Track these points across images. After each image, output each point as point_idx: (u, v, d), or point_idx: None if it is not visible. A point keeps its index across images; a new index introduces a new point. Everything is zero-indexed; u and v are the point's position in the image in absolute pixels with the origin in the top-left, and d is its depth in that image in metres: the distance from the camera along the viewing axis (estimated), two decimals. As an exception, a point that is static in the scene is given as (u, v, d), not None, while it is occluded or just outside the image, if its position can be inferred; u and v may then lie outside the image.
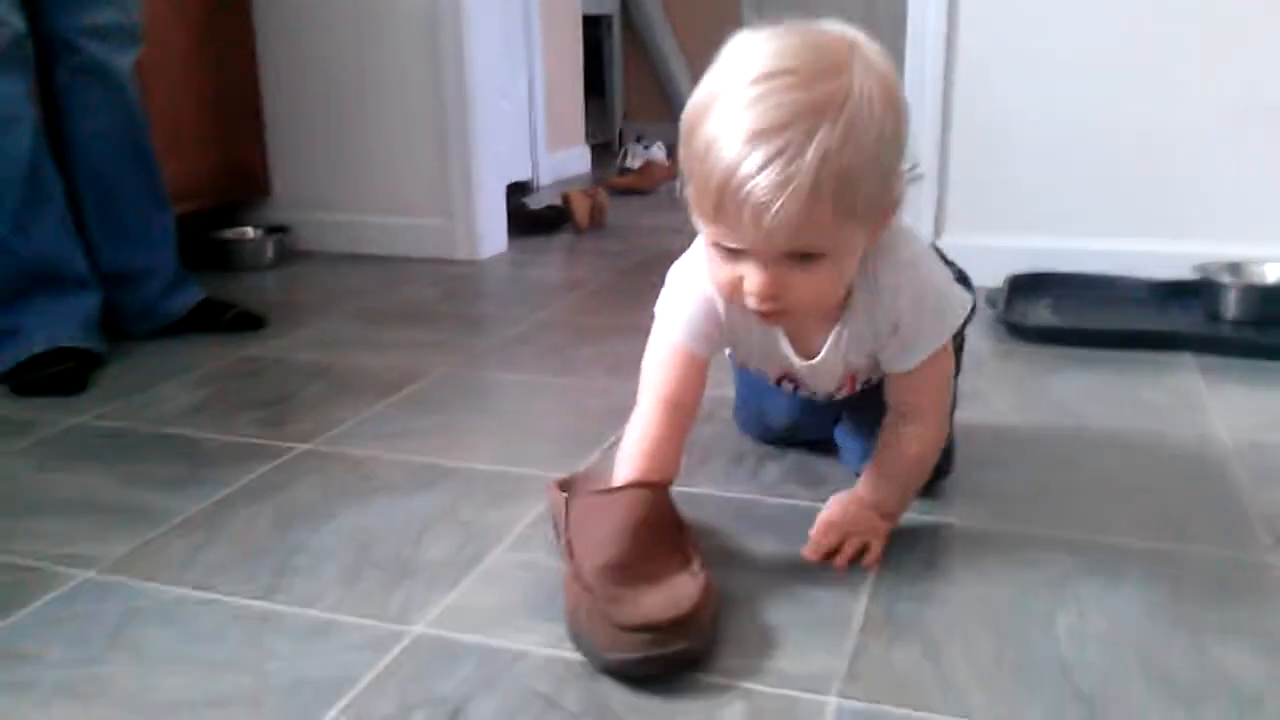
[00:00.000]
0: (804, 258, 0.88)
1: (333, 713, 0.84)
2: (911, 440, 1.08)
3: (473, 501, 1.22)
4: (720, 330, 1.07)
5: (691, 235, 1.00)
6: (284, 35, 2.59)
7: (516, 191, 3.04)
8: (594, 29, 4.66)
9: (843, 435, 1.28)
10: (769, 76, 0.84)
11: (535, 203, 3.05)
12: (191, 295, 1.97)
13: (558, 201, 3.01)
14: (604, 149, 4.46)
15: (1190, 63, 2.01)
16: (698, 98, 0.89)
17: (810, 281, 0.90)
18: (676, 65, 5.04)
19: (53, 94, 1.76)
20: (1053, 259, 2.09)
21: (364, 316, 2.09)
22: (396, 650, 0.92)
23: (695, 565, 0.95)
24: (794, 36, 0.88)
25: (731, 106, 0.84)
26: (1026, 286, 2.04)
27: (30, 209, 1.68)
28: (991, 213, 2.17)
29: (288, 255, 2.58)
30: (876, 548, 1.06)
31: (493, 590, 1.03)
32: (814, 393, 1.16)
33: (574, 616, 0.92)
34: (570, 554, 0.98)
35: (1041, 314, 1.95)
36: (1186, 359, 1.71)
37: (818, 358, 1.07)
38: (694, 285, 1.05)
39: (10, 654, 0.94)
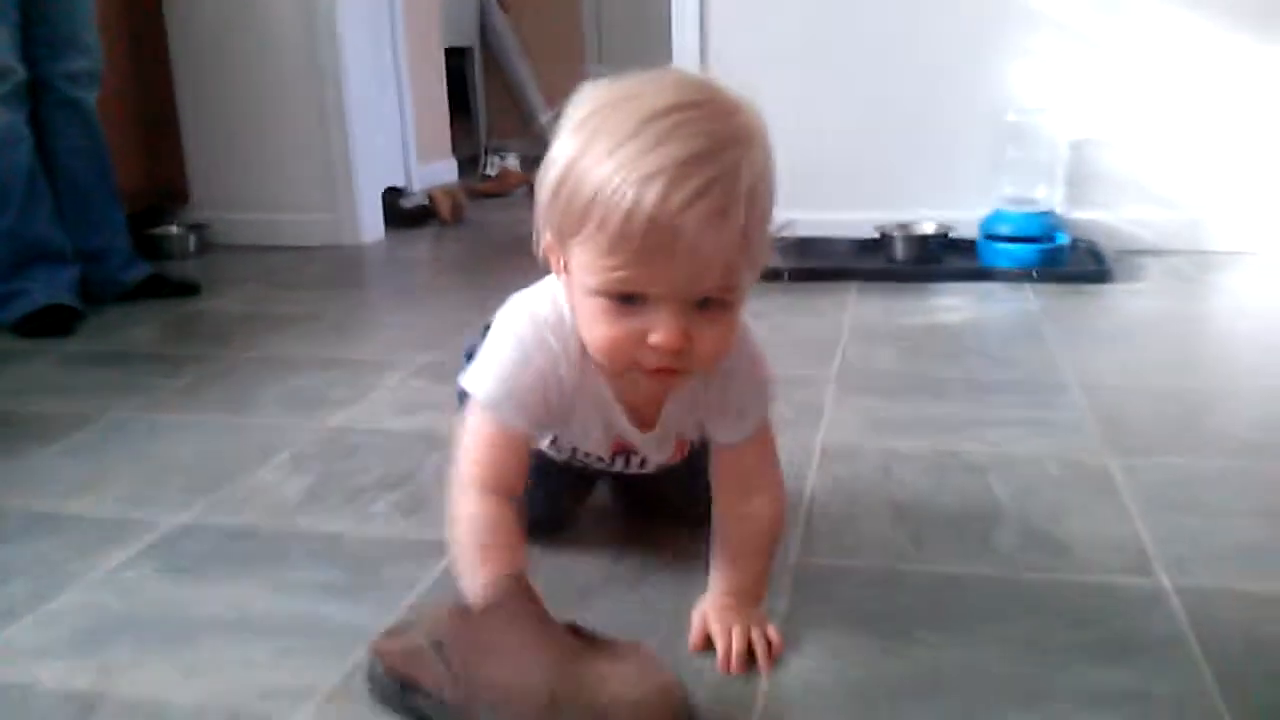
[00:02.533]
0: (712, 306, 0.82)
1: (317, 422, 1.52)
2: (763, 513, 1.01)
3: (353, 373, 1.90)
4: (549, 412, 0.95)
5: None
6: (194, 70, 3.22)
7: (394, 194, 3.69)
8: (458, 59, 5.34)
9: (644, 513, 1.23)
10: (680, 108, 0.78)
11: (408, 203, 3.72)
12: (142, 270, 2.59)
13: (425, 201, 3.69)
14: (472, 162, 5.12)
15: (872, 84, 2.80)
16: (571, 151, 0.80)
17: (715, 333, 0.83)
18: (531, 89, 5.75)
19: (37, 122, 2.38)
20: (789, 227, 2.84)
21: (274, 285, 2.74)
22: (324, 422, 1.61)
23: (626, 644, 0.88)
24: (671, 78, 0.83)
25: (640, 140, 0.76)
26: (765, 245, 2.79)
27: (29, 204, 2.30)
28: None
29: (206, 247, 3.21)
30: (772, 634, 0.97)
31: (379, 407, 1.72)
32: (642, 463, 1.07)
33: None
34: (479, 695, 0.82)
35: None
36: (855, 286, 2.47)
37: (655, 430, 1.01)
38: (525, 359, 0.93)
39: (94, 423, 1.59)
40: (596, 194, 0.77)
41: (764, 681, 0.93)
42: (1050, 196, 2.64)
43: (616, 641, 0.87)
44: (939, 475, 1.36)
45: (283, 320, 2.32)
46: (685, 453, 1.08)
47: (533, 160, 0.82)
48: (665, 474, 1.11)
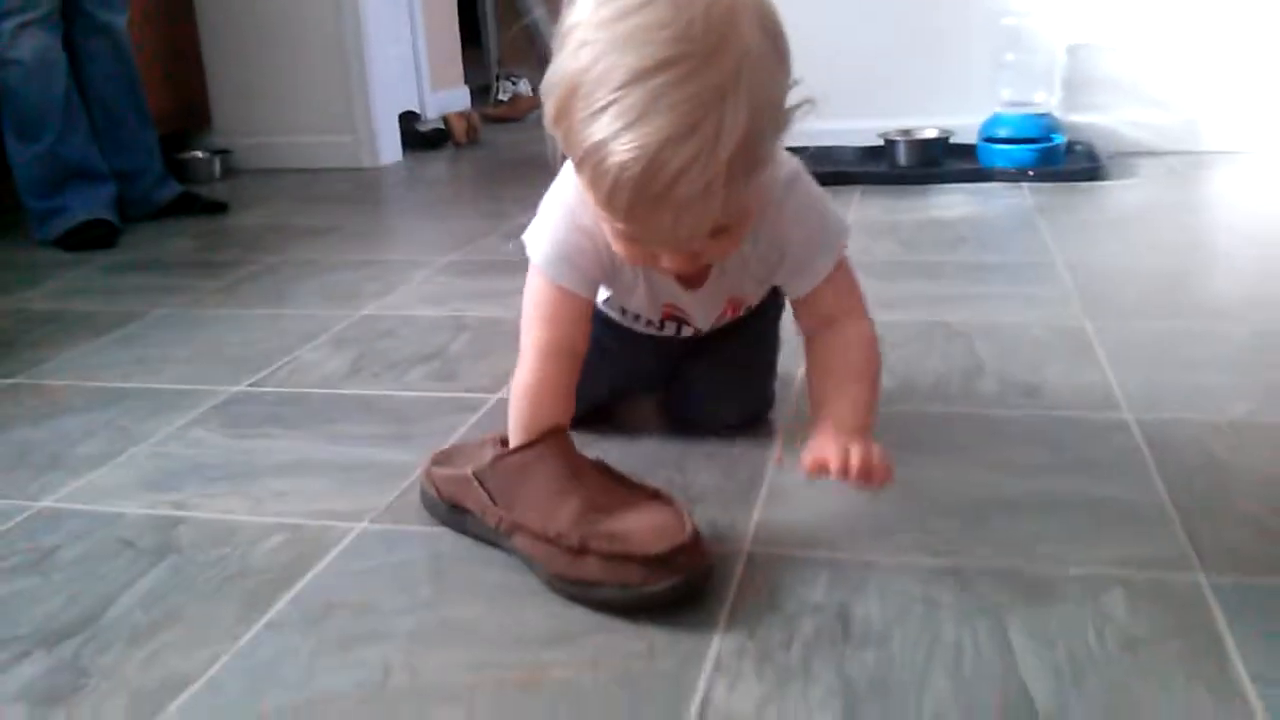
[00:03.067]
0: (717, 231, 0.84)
1: (352, 310, 1.64)
2: (852, 340, 1.02)
3: (382, 271, 2.02)
4: (601, 270, 0.99)
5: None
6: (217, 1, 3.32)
7: (409, 119, 3.78)
8: (468, -13, 5.38)
9: (676, 386, 1.22)
10: (659, 69, 0.75)
11: (423, 127, 3.80)
12: (173, 189, 2.71)
13: (441, 124, 3.77)
14: (484, 91, 5.19)
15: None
16: (564, 77, 0.79)
17: (724, 243, 0.87)
18: (541, 18, 5.79)
19: (71, 46, 2.48)
20: (798, 136, 2.93)
21: (299, 201, 2.85)
22: (358, 310, 1.73)
23: (652, 488, 0.95)
24: (667, 6, 0.76)
25: (620, 107, 0.75)
26: (772, 155, 2.88)
27: (67, 125, 2.42)
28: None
29: (230, 171, 3.31)
30: (878, 450, 0.91)
31: (409, 298, 1.83)
32: (694, 328, 1.11)
33: (572, 572, 0.87)
34: (516, 525, 0.92)
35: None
36: (860, 189, 2.56)
37: (703, 288, 1.04)
38: (571, 222, 0.97)
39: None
40: (585, 155, 0.78)
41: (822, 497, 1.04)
42: (1048, 100, 2.72)
43: (639, 487, 0.95)
44: (928, 340, 1.47)
45: (310, 231, 2.43)
46: (737, 312, 1.11)
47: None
48: (729, 333, 1.15)
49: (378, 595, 0.91)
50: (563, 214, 0.98)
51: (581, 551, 0.87)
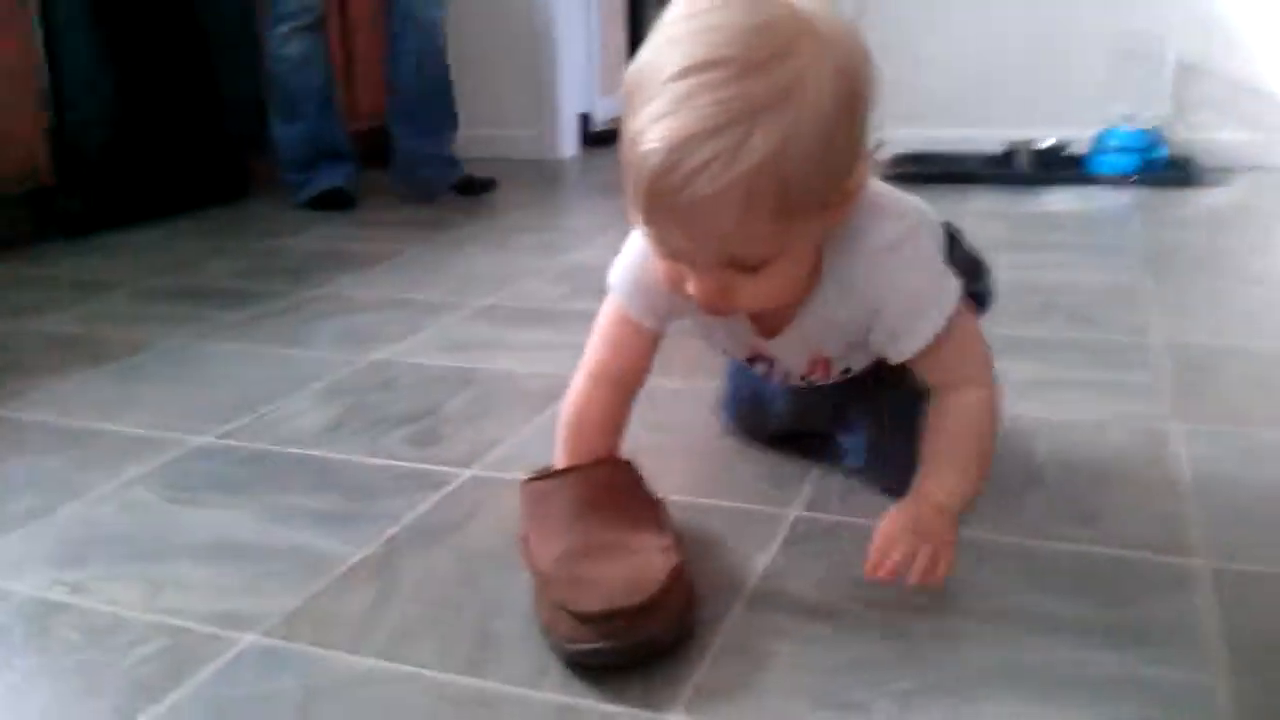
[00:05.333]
0: (749, 266, 0.65)
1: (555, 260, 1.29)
2: (959, 411, 0.75)
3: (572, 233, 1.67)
4: (672, 305, 0.76)
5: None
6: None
7: (583, 120, 3.45)
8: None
9: (843, 432, 0.91)
10: (702, 68, 0.59)
11: (596, 127, 3.45)
12: (458, 170, 2.38)
13: (613, 126, 3.40)
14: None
15: (1004, 17, 2.44)
16: (633, 70, 0.63)
17: (758, 286, 0.66)
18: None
19: (392, 40, 2.28)
20: (932, 143, 2.46)
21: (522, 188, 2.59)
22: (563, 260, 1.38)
23: (666, 540, 0.71)
24: (735, 11, 0.61)
25: (659, 100, 0.59)
26: (907, 158, 2.33)
27: (321, 112, 2.26)
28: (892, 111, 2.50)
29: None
30: (945, 559, 0.69)
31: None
32: (788, 374, 0.84)
33: (538, 611, 0.69)
34: (528, 550, 0.73)
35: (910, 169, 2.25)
36: (983, 188, 2.24)
37: (780, 336, 0.78)
38: (646, 253, 0.73)
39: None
40: (627, 144, 0.62)
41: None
42: (1157, 116, 2.33)
43: (658, 531, 0.73)
44: (1010, 294, 1.11)
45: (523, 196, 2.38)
46: (829, 372, 0.83)
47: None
48: (839, 390, 0.86)
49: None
50: (640, 247, 0.76)
51: (546, 592, 0.69)
